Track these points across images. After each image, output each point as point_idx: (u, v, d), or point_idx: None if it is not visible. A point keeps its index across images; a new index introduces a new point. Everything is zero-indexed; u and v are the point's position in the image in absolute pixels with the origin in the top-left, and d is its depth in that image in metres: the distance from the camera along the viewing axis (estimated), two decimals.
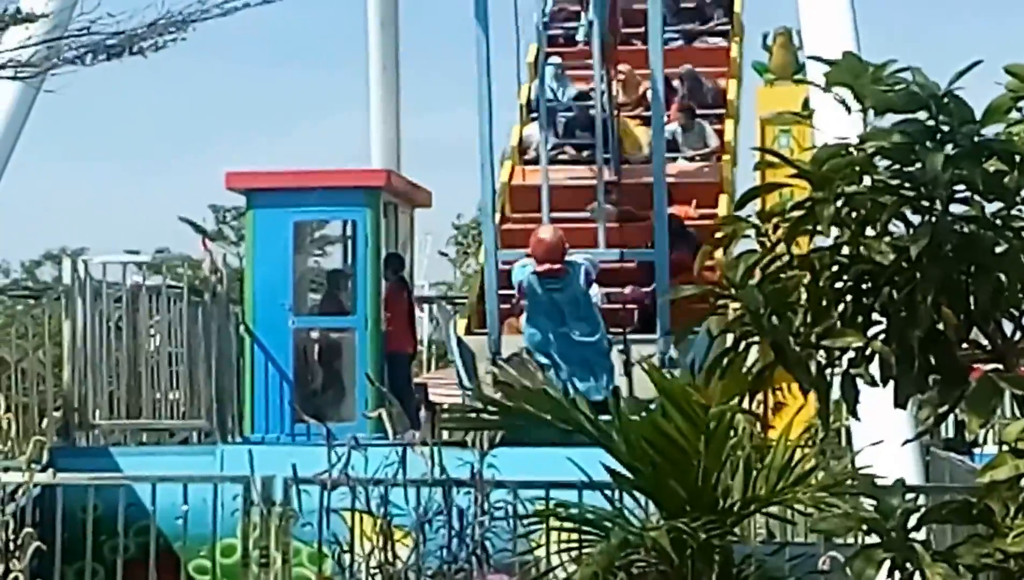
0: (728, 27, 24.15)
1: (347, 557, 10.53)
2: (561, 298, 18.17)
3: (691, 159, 21.59)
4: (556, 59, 22.49)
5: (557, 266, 18.12)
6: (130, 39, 9.95)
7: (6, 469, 12.13)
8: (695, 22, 24.32)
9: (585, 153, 21.44)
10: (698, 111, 22.21)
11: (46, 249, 39.10)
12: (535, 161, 21.20)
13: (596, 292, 19.02)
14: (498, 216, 20.39)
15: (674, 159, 20.75)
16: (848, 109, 6.52)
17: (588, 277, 18.48)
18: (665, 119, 19.91)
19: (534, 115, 21.94)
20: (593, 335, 18.30)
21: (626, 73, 22.01)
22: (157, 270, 26.75)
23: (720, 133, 22.12)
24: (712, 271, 13.08)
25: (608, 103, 20.95)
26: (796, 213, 6.59)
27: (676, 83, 21.99)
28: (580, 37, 22.90)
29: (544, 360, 18.23)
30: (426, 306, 23.24)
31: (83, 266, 19.26)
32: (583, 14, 22.03)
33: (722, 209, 20.26)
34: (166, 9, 9.58)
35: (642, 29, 20.25)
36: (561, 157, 21.60)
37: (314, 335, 18.26)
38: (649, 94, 20.26)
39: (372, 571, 9.96)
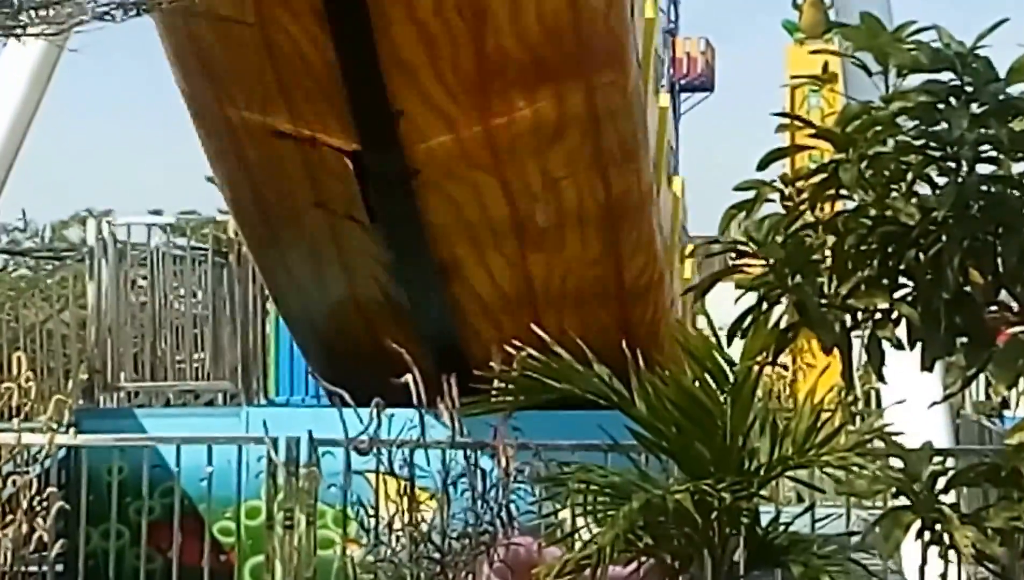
0: None
1: (371, 519, 10.51)
2: None
3: None
4: None
5: None
6: None
7: (31, 430, 12.11)
8: None
9: None
10: None
11: (74, 210, 39.05)
12: None
13: None
14: None
15: None
16: (869, 72, 6.49)
17: None
18: None
19: None
20: None
21: None
22: (182, 232, 26.77)
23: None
24: None
25: None
26: (820, 175, 6.57)
27: None
28: None
29: None
30: None
31: (107, 227, 19.28)
32: None
33: None
34: None
35: None
36: None
37: None
38: None
39: (397, 533, 9.93)
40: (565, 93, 13.70)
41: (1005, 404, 19.34)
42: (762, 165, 6.93)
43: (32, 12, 9.69)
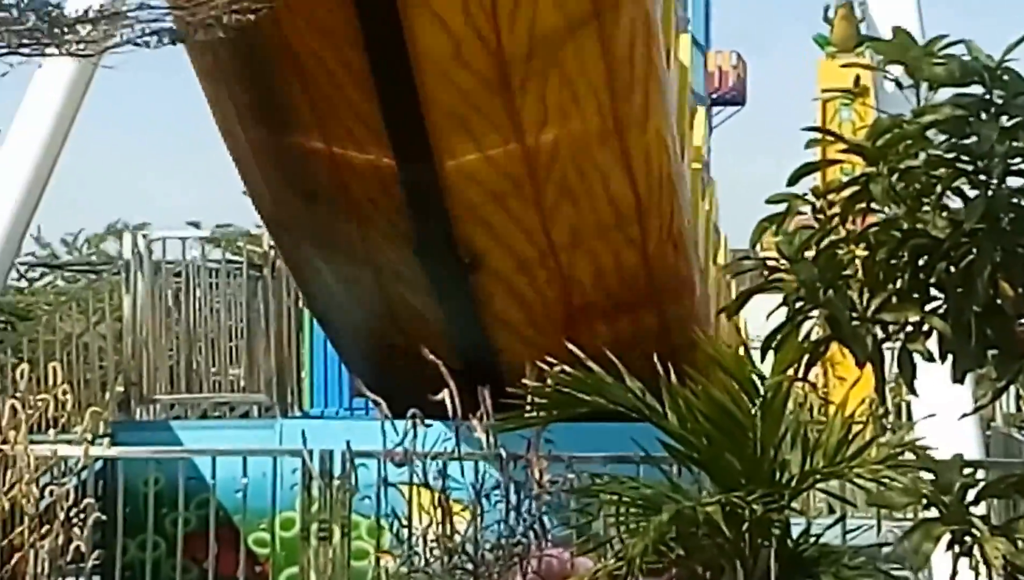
0: None
1: (405, 530, 10.56)
2: None
3: None
4: None
5: None
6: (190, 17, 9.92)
7: (67, 442, 12.19)
8: None
9: None
10: None
11: (108, 222, 39.00)
12: None
13: None
14: None
15: None
16: (900, 85, 6.53)
17: None
18: None
19: None
20: None
21: None
22: (217, 244, 26.86)
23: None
24: None
25: None
26: (851, 188, 6.60)
27: None
28: None
29: None
30: None
31: (143, 241, 19.38)
32: None
33: None
34: None
35: None
36: None
37: None
38: None
39: (430, 544, 9.98)
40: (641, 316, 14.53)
41: None
42: (793, 179, 6.97)
43: (67, 29, 9.76)
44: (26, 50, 9.83)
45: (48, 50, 10.13)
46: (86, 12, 10.04)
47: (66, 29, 9.82)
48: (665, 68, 15.25)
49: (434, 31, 12.17)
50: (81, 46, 10.30)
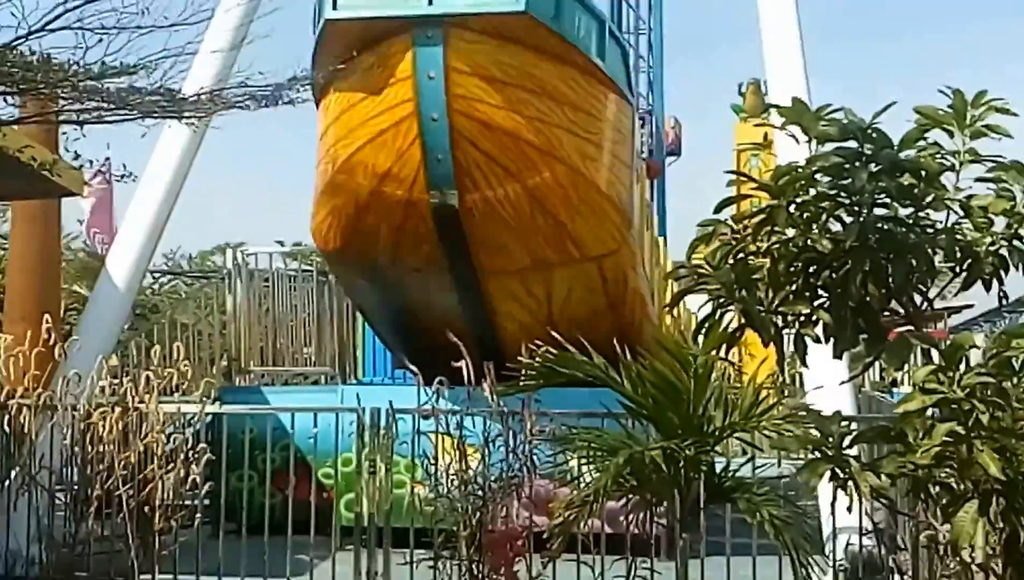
0: None
1: (432, 467, 10.50)
2: None
3: None
4: None
5: None
6: (279, 90, 9.90)
7: (187, 402, 12.17)
8: None
9: None
10: None
11: (216, 242, 39.01)
12: None
13: None
14: None
15: None
16: (797, 140, 6.51)
17: None
18: None
19: None
20: None
21: None
22: (295, 258, 26.85)
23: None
24: None
25: None
26: (759, 216, 6.58)
27: None
28: None
29: None
30: None
31: (240, 255, 19.42)
32: None
33: None
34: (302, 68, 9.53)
35: None
36: None
37: None
38: None
39: (451, 477, 9.92)
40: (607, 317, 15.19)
41: (894, 383, 19.32)
42: (718, 209, 6.96)
43: (183, 104, 9.73)
44: (152, 121, 9.79)
45: (169, 119, 10.11)
46: (198, 94, 10.01)
47: (182, 104, 9.79)
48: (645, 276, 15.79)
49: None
50: (192, 115, 10.29)
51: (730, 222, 6.82)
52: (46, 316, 12.66)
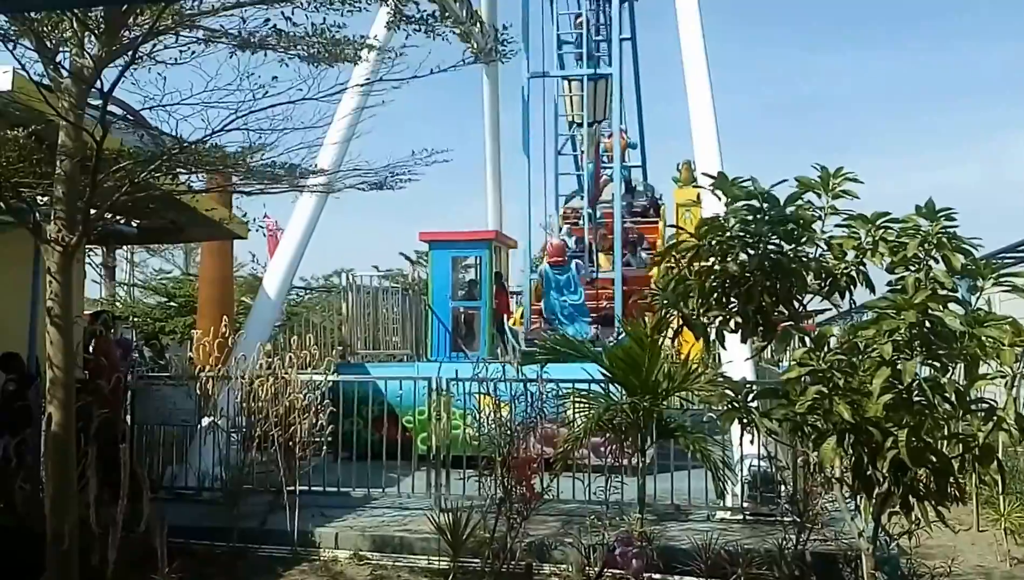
0: (657, 218, 23.06)
1: (478, 416, 10.55)
2: (561, 278, 18.22)
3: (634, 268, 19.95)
4: (567, 228, 21.23)
5: (561, 259, 18.25)
6: (383, 177, 9.90)
7: (316, 373, 12.20)
8: (640, 216, 23.05)
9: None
10: (640, 248, 21.05)
11: (334, 268, 39.23)
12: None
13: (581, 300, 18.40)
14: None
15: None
16: (719, 199, 6.51)
17: (578, 268, 18.43)
18: (622, 254, 19.32)
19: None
20: (578, 299, 18.30)
21: (603, 235, 20.66)
22: (387, 277, 26.90)
23: (652, 260, 19.87)
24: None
25: (593, 250, 20.26)
26: (691, 252, 6.58)
27: (632, 234, 20.79)
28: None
29: (552, 318, 18.20)
30: (514, 296, 23.05)
31: (350, 277, 19.47)
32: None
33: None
34: (393, 159, 9.54)
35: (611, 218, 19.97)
36: None
37: (461, 310, 18.26)
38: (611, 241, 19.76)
39: (489, 421, 9.94)
40: None
41: (780, 361, 19.26)
42: (665, 251, 6.96)
43: (302, 179, 9.72)
44: (278, 189, 9.72)
45: (305, 192, 10.12)
46: (312, 169, 9.98)
47: (301, 179, 9.77)
48: None
49: None
50: (321, 190, 10.32)
51: (674, 254, 6.81)
52: (224, 317, 12.73)
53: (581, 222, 20.91)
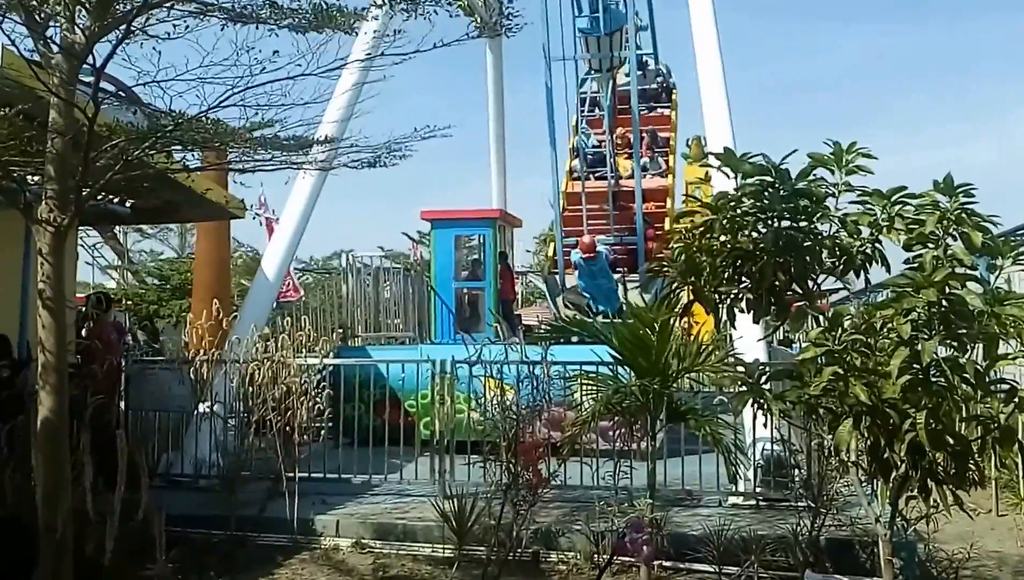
0: (669, 104, 24.04)
1: (481, 399, 10.56)
2: (595, 268, 18.46)
3: (653, 176, 21.23)
4: (585, 125, 22.33)
5: (592, 254, 18.42)
6: (378, 154, 9.82)
7: (316, 357, 12.20)
8: (652, 100, 23.99)
9: (599, 173, 21.22)
10: (655, 150, 22.01)
11: (333, 249, 39.33)
12: (577, 178, 21.03)
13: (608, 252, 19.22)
14: (561, 206, 20.72)
15: (644, 176, 20.37)
16: (728, 176, 6.49)
17: (607, 257, 18.86)
18: (640, 154, 20.12)
19: (576, 154, 21.77)
20: (610, 283, 18.73)
21: (620, 134, 21.81)
22: (388, 258, 26.92)
23: (666, 162, 21.99)
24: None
25: (611, 149, 21.05)
26: (703, 226, 6.57)
27: (645, 135, 21.53)
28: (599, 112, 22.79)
29: (586, 295, 18.95)
30: (519, 276, 23.06)
31: (350, 258, 19.46)
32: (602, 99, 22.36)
33: (667, 203, 20.72)
34: (393, 136, 9.44)
35: (627, 105, 20.82)
36: (589, 177, 21.22)
37: (464, 290, 18.26)
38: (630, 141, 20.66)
39: (493, 405, 9.94)
40: None
41: (793, 341, 19.27)
42: (675, 221, 6.94)
43: (306, 153, 9.68)
44: (273, 167, 9.67)
45: (302, 169, 10.06)
46: (322, 148, 9.93)
47: (306, 153, 9.71)
48: None
49: None
50: (318, 167, 10.24)
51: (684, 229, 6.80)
52: (215, 300, 12.74)
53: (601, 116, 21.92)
